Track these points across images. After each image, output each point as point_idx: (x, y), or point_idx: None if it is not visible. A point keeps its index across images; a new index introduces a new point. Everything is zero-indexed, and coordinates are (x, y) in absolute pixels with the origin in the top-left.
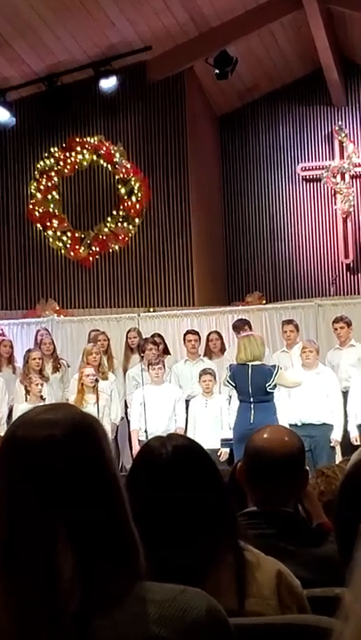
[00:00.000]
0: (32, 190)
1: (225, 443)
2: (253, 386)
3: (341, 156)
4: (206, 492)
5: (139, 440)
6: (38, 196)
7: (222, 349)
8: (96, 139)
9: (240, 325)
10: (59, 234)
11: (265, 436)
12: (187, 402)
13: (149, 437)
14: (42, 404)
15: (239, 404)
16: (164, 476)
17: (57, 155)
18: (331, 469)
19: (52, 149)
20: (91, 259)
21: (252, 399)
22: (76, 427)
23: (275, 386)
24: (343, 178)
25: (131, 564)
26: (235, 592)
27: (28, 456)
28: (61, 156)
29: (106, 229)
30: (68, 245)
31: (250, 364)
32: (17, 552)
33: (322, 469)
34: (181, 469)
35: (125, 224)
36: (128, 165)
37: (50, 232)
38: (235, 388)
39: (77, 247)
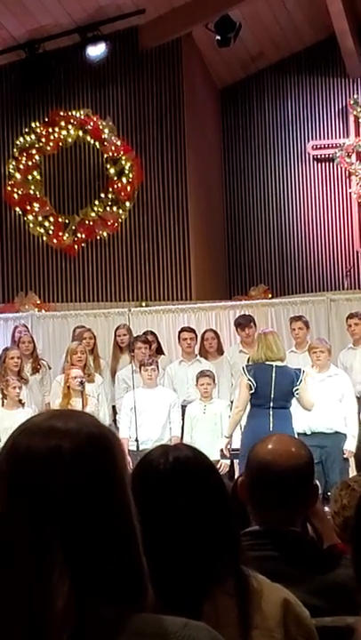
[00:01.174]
0: (10, 170)
1: (225, 454)
2: (277, 389)
3: (357, 134)
4: (207, 510)
5: (129, 450)
6: (17, 176)
7: (219, 350)
8: (82, 112)
9: (245, 322)
10: (40, 219)
11: (269, 446)
12: (183, 407)
13: (140, 447)
14: (20, 409)
15: (252, 409)
16: (159, 490)
17: (38, 130)
18: (358, 482)
19: (32, 124)
20: (76, 247)
21: (271, 404)
22: (89, 439)
23: (298, 391)
24: (359, 158)
25: (135, 598)
26: (236, 623)
27: (28, 468)
28: (43, 132)
29: (93, 214)
30: (51, 232)
31: (274, 364)
32: (4, 576)
33: (348, 481)
34: (180, 484)
35: (115, 208)
36: (118, 142)
37: (30, 217)
38: (255, 389)
39: (61, 234)
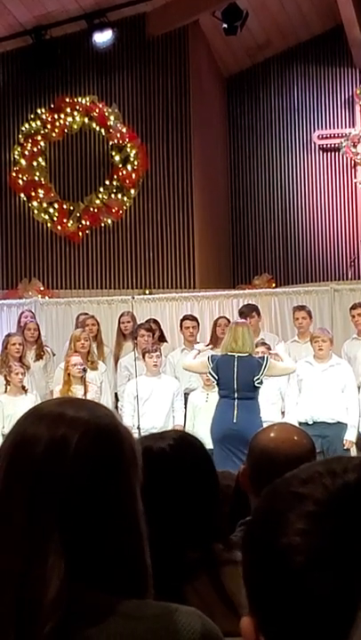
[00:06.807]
0: (15, 156)
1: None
2: (240, 380)
3: None
4: (189, 496)
5: None
6: (22, 162)
7: None
8: (88, 99)
9: (248, 312)
10: (45, 205)
11: (272, 435)
12: (185, 395)
13: (142, 435)
14: (23, 395)
15: (219, 400)
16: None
17: (44, 116)
18: None
19: (38, 110)
20: (80, 234)
21: (236, 395)
22: (98, 430)
23: (261, 381)
24: None
25: (133, 585)
26: (226, 612)
27: (30, 455)
28: (49, 118)
29: (98, 201)
30: (55, 218)
31: (236, 355)
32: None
33: None
34: (167, 471)
35: (120, 195)
36: (124, 130)
37: (35, 203)
38: (217, 381)
39: (65, 221)
